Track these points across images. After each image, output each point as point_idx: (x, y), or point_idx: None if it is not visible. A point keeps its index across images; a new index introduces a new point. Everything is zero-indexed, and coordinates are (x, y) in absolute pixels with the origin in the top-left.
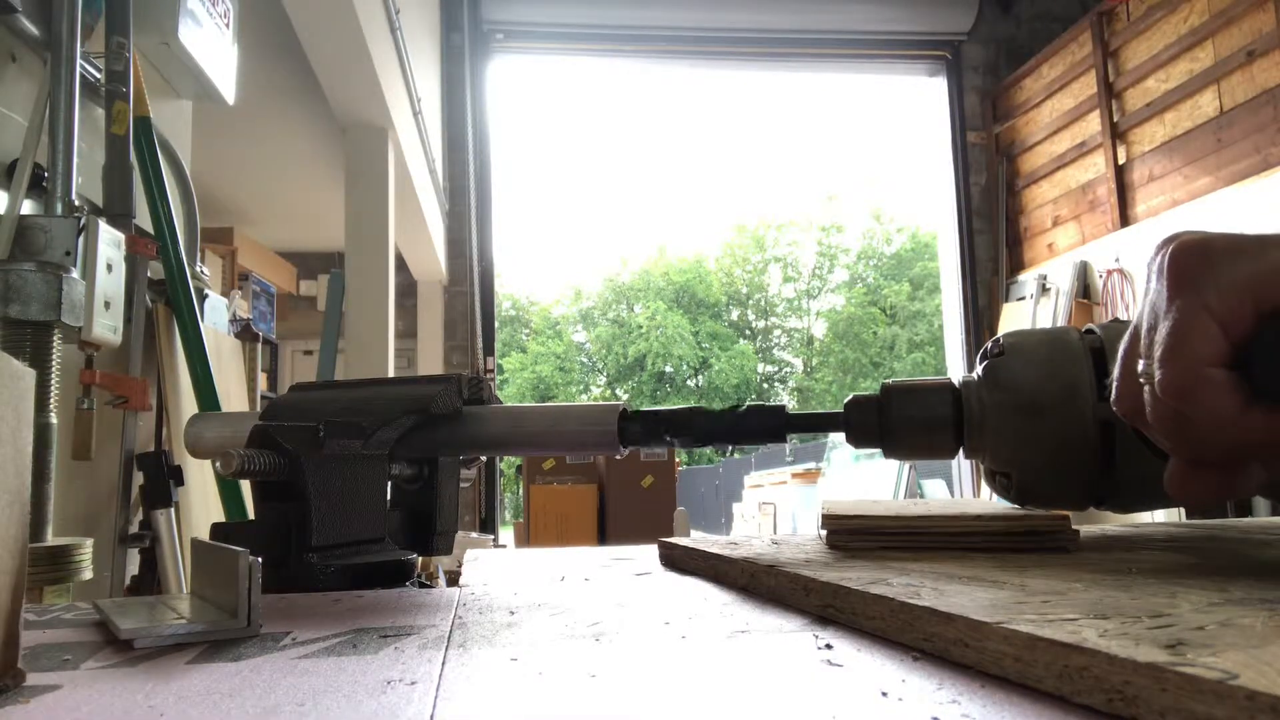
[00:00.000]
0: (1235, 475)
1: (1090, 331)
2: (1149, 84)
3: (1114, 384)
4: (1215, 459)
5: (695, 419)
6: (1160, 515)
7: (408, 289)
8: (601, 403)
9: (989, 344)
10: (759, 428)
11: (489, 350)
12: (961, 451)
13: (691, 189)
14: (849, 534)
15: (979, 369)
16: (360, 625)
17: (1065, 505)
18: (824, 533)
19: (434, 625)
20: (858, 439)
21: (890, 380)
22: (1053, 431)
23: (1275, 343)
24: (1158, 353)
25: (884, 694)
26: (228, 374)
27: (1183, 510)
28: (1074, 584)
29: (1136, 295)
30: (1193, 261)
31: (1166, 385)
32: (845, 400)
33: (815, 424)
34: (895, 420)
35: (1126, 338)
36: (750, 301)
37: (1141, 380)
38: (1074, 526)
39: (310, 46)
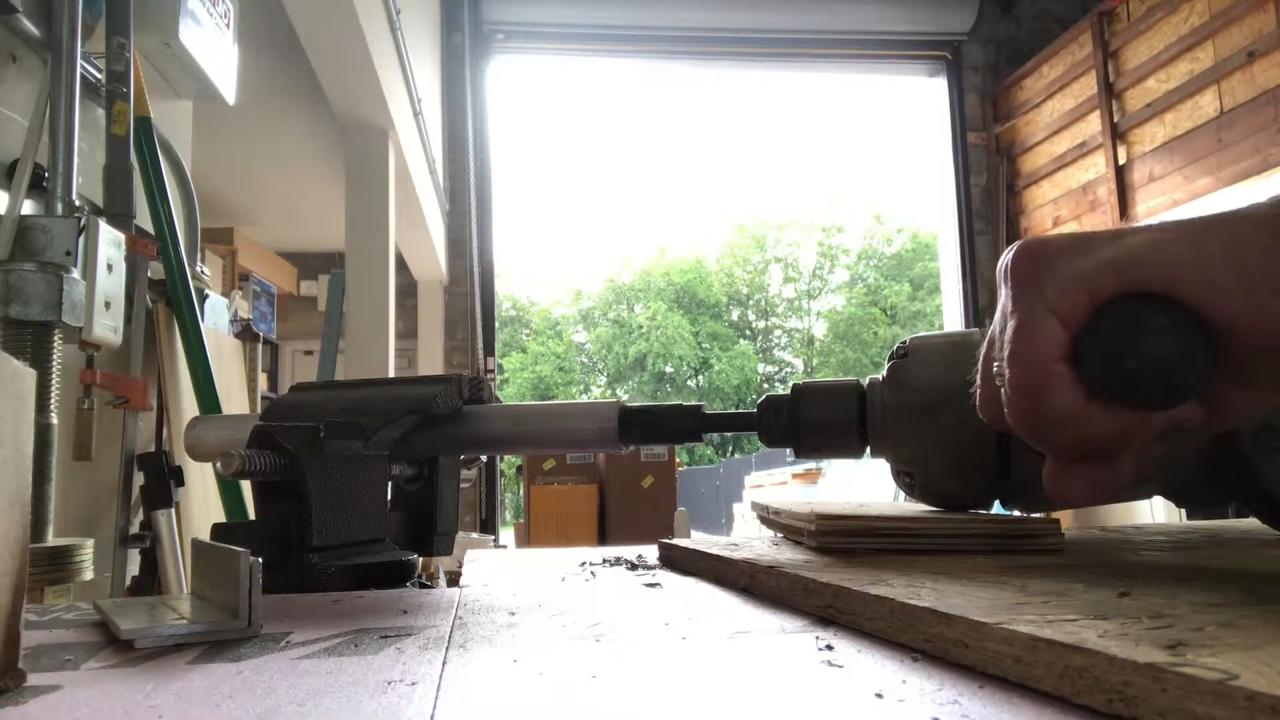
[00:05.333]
0: (1107, 469)
1: None
2: (1149, 84)
3: (976, 391)
4: (1082, 455)
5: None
6: (1161, 515)
7: (408, 289)
8: (601, 400)
9: (896, 346)
10: (677, 427)
11: (489, 350)
12: (869, 451)
13: (692, 189)
14: (841, 535)
15: (884, 370)
16: (361, 626)
17: (968, 503)
18: (810, 530)
19: (434, 626)
20: (770, 438)
21: (801, 381)
22: (948, 431)
23: (1099, 334)
24: (1005, 353)
25: (883, 695)
26: (228, 374)
27: (1183, 511)
28: (1074, 585)
29: None
30: (1032, 262)
31: (1014, 383)
32: (759, 401)
33: (731, 424)
34: (803, 420)
35: (984, 345)
36: (751, 302)
37: (997, 383)
38: (1079, 527)
39: (310, 46)
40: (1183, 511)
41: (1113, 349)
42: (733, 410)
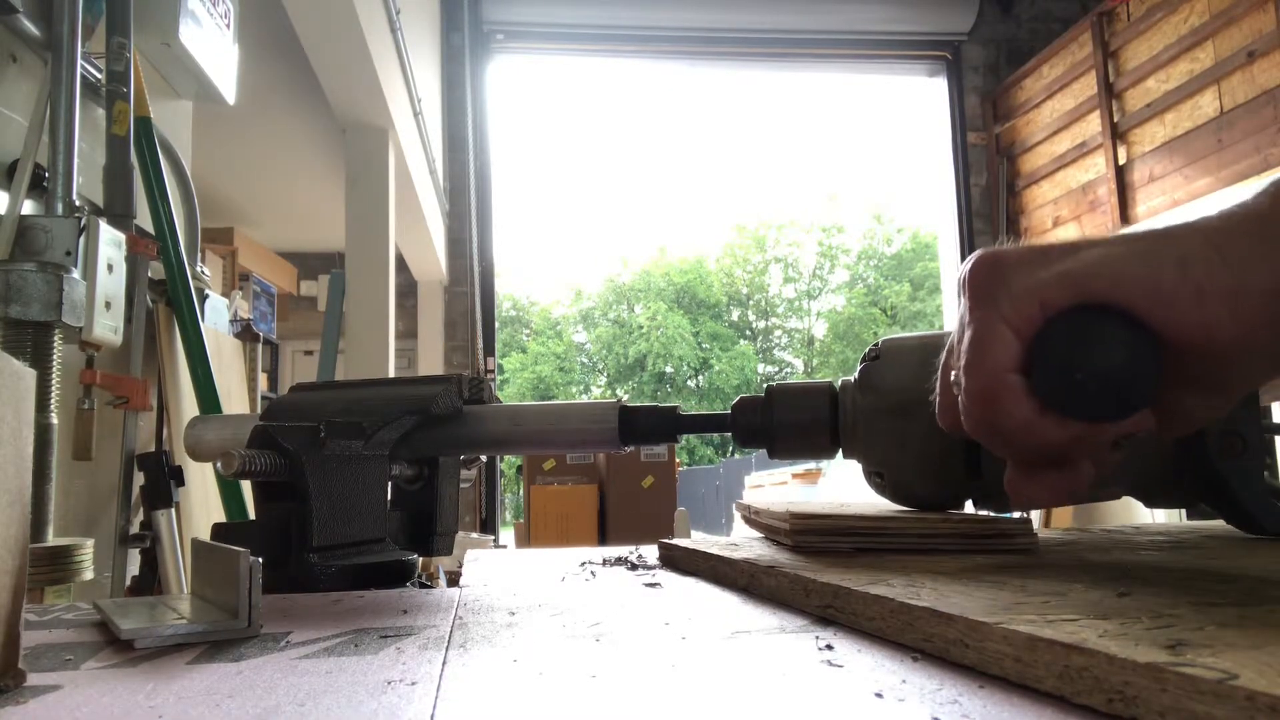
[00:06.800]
0: (1066, 474)
1: None
2: (1149, 84)
3: (935, 399)
4: (1039, 461)
5: None
6: (1160, 515)
7: (408, 289)
8: (600, 400)
9: (869, 348)
10: (652, 428)
11: (489, 350)
12: (841, 452)
13: (692, 189)
14: (816, 535)
15: (857, 372)
16: (360, 625)
17: (939, 504)
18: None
19: (434, 626)
20: (744, 439)
21: (774, 383)
22: (918, 433)
23: (1047, 347)
24: (961, 363)
25: (883, 695)
26: (228, 374)
27: (1184, 511)
28: (1074, 585)
29: None
30: (988, 274)
31: (969, 393)
32: (733, 403)
33: (706, 425)
34: (776, 422)
35: (944, 354)
36: (751, 302)
37: (955, 391)
38: (1081, 528)
39: (310, 46)
40: (1183, 511)
41: (1060, 364)
42: (708, 412)
